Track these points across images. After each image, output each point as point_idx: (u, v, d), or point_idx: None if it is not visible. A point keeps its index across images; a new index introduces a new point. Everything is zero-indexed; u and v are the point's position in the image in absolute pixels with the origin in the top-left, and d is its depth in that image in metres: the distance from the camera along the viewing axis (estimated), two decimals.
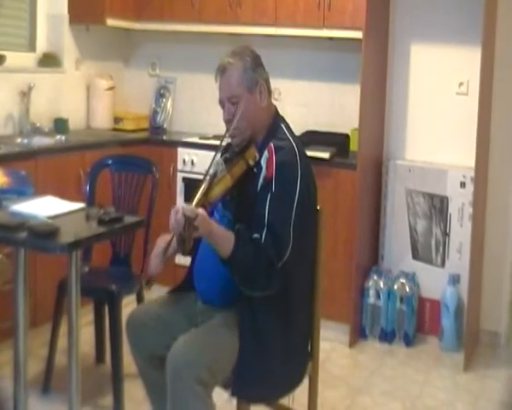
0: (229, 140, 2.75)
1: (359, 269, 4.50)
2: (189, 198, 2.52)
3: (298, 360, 2.77)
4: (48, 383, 3.63)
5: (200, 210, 2.43)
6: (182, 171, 4.94)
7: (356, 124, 4.44)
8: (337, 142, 4.69)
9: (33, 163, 4.00)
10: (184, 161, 4.94)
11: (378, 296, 4.54)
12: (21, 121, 4.73)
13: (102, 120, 5.36)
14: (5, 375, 3.49)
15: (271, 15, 4.82)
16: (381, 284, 4.55)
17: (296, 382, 2.77)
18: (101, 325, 3.91)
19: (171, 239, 2.55)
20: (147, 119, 5.51)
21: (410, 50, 4.76)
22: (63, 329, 3.43)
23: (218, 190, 2.56)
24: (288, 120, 2.80)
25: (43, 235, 2.79)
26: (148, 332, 2.75)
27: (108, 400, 3.54)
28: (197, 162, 4.84)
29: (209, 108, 5.23)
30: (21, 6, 5.06)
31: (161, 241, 2.71)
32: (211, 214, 2.60)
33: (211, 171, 2.57)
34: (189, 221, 2.38)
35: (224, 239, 2.49)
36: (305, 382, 2.84)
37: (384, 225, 4.77)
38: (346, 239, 4.41)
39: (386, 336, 4.54)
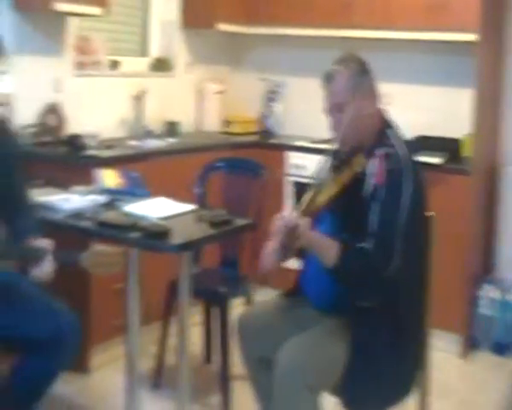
0: (337, 147, 2.72)
1: (471, 278, 4.38)
2: (297, 203, 2.52)
3: (408, 371, 2.72)
4: (158, 379, 3.72)
5: (302, 220, 2.42)
6: (292, 175, 4.94)
7: (468, 129, 4.33)
8: (449, 147, 4.58)
9: (145, 165, 4.09)
10: (293, 165, 4.94)
11: (491, 306, 4.40)
12: (134, 124, 4.86)
13: (212, 123, 5.44)
14: (118, 370, 3.58)
15: (383, 19, 4.76)
16: (495, 294, 4.41)
17: (406, 392, 2.71)
18: (209, 326, 3.96)
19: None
20: (256, 122, 5.54)
21: None
22: (173, 328, 3.50)
23: (324, 198, 2.53)
24: (398, 125, 2.75)
25: (154, 235, 2.84)
26: (258, 335, 2.77)
27: (216, 399, 3.59)
28: (306, 166, 4.81)
29: (318, 112, 5.08)
30: (135, 13, 5.21)
31: (273, 241, 2.70)
32: (317, 221, 2.58)
33: (318, 178, 2.55)
34: (291, 231, 2.37)
35: (326, 249, 2.48)
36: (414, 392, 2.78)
37: (497, 232, 4.63)
38: (457, 247, 4.28)
39: (501, 348, 4.39)
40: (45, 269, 2.68)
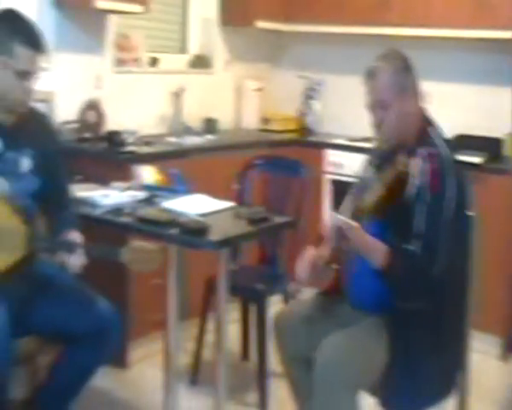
0: (379, 145, 2.70)
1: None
2: (337, 201, 2.51)
3: (448, 372, 2.69)
4: (195, 375, 3.73)
5: (353, 222, 2.41)
6: (330, 173, 4.92)
7: (509, 128, 4.26)
8: (489, 146, 4.52)
9: (185, 162, 4.10)
10: (332, 163, 4.92)
11: None
12: (174, 121, 4.88)
13: (251, 120, 5.45)
14: (156, 365, 3.60)
15: (421, 16, 4.72)
16: None
17: (445, 394, 2.69)
18: (247, 323, 3.97)
19: (321, 252, 2.55)
20: (294, 120, 5.52)
21: None
22: (211, 325, 3.51)
23: (370, 200, 2.51)
24: (438, 124, 2.72)
25: (193, 232, 2.85)
26: (295, 333, 2.76)
27: (253, 397, 3.59)
28: (345, 165, 4.79)
29: (358, 110, 5.05)
30: (174, 10, 5.23)
31: (310, 254, 2.71)
32: (362, 223, 2.57)
33: (362, 179, 2.53)
34: (342, 233, 2.36)
35: (376, 250, 2.47)
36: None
37: None
38: (499, 248, 4.21)
39: None
40: (75, 262, 2.70)
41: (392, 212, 2.56)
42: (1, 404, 2.60)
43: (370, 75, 2.62)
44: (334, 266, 2.67)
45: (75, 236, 2.81)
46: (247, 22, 5.21)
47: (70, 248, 2.69)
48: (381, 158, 2.64)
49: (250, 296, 3.69)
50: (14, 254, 2.67)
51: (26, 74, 2.72)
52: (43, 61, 2.78)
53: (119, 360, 3.80)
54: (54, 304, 2.82)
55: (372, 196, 2.49)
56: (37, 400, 2.90)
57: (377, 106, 2.61)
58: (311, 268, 2.67)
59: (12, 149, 2.80)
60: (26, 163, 2.85)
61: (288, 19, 5.37)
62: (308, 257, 2.69)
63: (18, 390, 2.87)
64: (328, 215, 2.49)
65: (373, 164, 2.63)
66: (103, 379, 3.41)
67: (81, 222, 3.01)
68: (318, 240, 2.74)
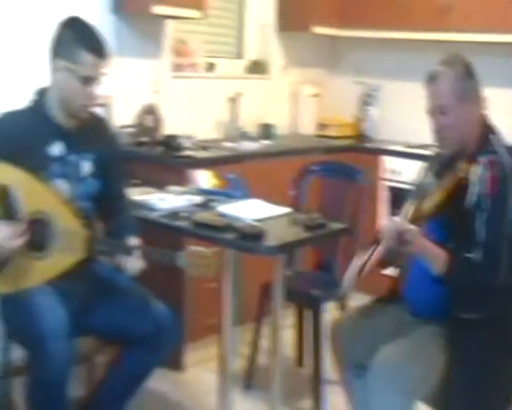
0: (438, 151, 2.66)
1: None
2: (395, 208, 2.49)
3: (508, 384, 2.63)
4: (250, 380, 3.73)
5: (412, 226, 2.38)
6: (387, 179, 4.89)
7: None
8: None
9: (241, 167, 4.11)
10: (389, 170, 4.88)
11: None
12: (230, 126, 4.90)
13: (307, 126, 5.44)
14: (211, 369, 3.62)
15: (482, 21, 4.64)
16: None
17: (504, 407, 2.63)
18: (302, 329, 3.94)
19: (367, 260, 2.53)
20: (351, 126, 5.50)
21: None
22: (266, 330, 3.51)
23: (428, 205, 2.48)
24: (500, 131, 2.67)
25: (249, 237, 2.85)
26: (351, 340, 2.74)
27: (307, 403, 3.57)
28: (402, 171, 4.74)
29: (415, 116, 5.01)
30: (231, 15, 5.25)
31: (357, 261, 2.69)
32: (421, 228, 2.54)
33: (420, 184, 2.51)
34: (401, 237, 2.34)
35: (435, 256, 2.44)
36: None
37: None
38: None
39: None
40: (133, 265, 2.72)
41: (452, 218, 2.53)
42: (60, 402, 2.64)
43: (432, 80, 2.59)
44: (386, 273, 2.65)
45: (133, 239, 2.84)
46: (304, 28, 5.21)
47: (128, 251, 2.72)
48: (441, 164, 2.61)
49: (306, 302, 3.68)
50: (75, 255, 2.72)
51: (89, 80, 2.76)
52: (105, 68, 2.82)
53: (174, 362, 3.82)
54: (112, 306, 2.86)
55: (431, 202, 2.46)
56: (94, 399, 2.94)
57: (437, 111, 2.58)
58: (357, 276, 2.65)
59: (73, 153, 2.85)
60: (86, 167, 2.89)
61: (344, 24, 5.35)
62: (355, 265, 2.68)
63: (76, 389, 2.91)
64: (386, 221, 2.46)
65: (432, 170, 2.60)
66: (159, 381, 3.43)
67: (138, 225, 3.05)
68: (373, 244, 2.72)
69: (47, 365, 2.53)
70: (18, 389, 2.92)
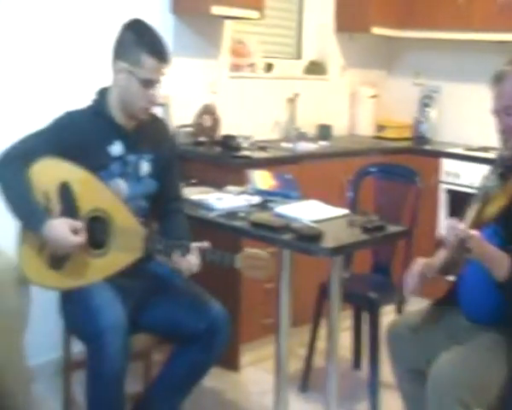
0: (503, 153, 2.61)
1: None
2: (454, 212, 2.44)
3: None
4: (306, 381, 3.72)
5: (474, 232, 2.33)
6: (445, 182, 4.81)
7: None
8: None
9: (298, 168, 4.11)
10: (449, 173, 4.80)
11: None
12: (287, 127, 4.90)
13: (365, 127, 5.40)
14: (267, 369, 3.62)
15: None
16: None
17: None
18: (359, 332, 3.93)
19: (431, 263, 2.49)
20: (409, 128, 5.44)
21: None
22: (322, 331, 3.49)
23: (492, 210, 2.42)
24: None
25: (307, 238, 2.83)
26: (408, 344, 2.70)
27: (364, 406, 3.54)
28: (462, 175, 4.68)
29: (475, 118, 5.04)
30: (290, 16, 5.24)
31: (419, 264, 2.65)
32: (483, 233, 2.48)
33: (484, 187, 2.45)
34: (462, 243, 2.30)
35: (498, 262, 2.38)
36: None
37: None
38: None
39: None
40: (189, 265, 2.73)
41: None
42: (117, 396, 2.67)
43: (497, 80, 2.54)
44: (446, 277, 2.61)
45: (189, 239, 2.85)
46: (363, 28, 5.18)
47: (185, 251, 2.73)
48: (505, 166, 2.55)
49: (363, 305, 3.65)
50: (133, 254, 2.74)
51: (149, 83, 2.79)
52: (165, 71, 2.85)
53: (230, 362, 3.83)
54: (167, 304, 2.88)
55: (494, 206, 2.41)
56: (150, 396, 2.97)
57: (503, 112, 2.53)
58: (419, 279, 2.61)
59: (132, 153, 2.88)
60: (145, 167, 2.92)
61: (403, 25, 5.29)
62: (417, 267, 2.64)
63: (132, 385, 2.94)
64: (446, 225, 2.41)
65: (496, 173, 2.54)
66: (215, 380, 3.46)
67: (195, 225, 3.06)
68: (434, 248, 2.68)
69: (104, 359, 2.57)
70: (77, 383, 2.96)
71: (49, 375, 3.58)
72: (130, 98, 2.81)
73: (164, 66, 2.82)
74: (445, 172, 4.83)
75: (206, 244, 2.73)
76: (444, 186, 4.82)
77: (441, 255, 2.52)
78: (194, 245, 2.72)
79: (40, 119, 2.93)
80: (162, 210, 3.03)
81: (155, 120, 3.06)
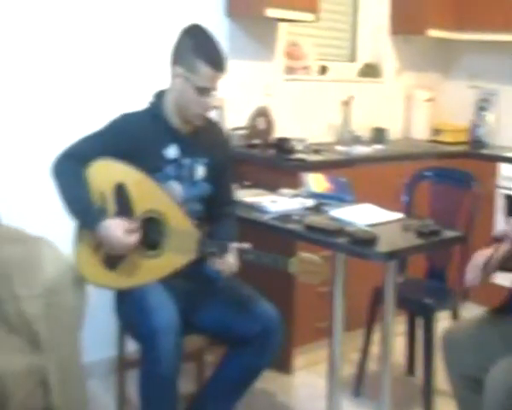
0: None
1: None
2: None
3: None
4: (359, 387, 3.70)
5: None
6: (503, 187, 4.73)
7: None
8: None
9: (352, 171, 4.08)
10: (506, 177, 4.72)
11: None
12: (342, 130, 4.87)
13: (420, 131, 5.34)
14: (320, 373, 3.61)
15: None
16: None
17: None
18: (413, 337, 3.88)
19: (493, 254, 2.44)
20: (466, 131, 5.35)
21: None
22: (376, 336, 3.46)
23: None
24: None
25: (361, 242, 2.81)
26: (464, 351, 2.66)
27: None
28: None
29: None
30: (344, 18, 5.22)
31: (480, 255, 2.60)
32: None
33: None
34: None
35: None
36: None
37: None
38: None
39: None
40: (228, 266, 2.73)
41: None
42: (170, 396, 2.69)
43: None
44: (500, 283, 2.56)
45: (237, 242, 2.84)
46: (419, 31, 5.12)
47: (223, 250, 2.73)
48: None
49: (418, 310, 3.60)
50: (187, 256, 2.76)
51: (204, 91, 2.80)
52: (221, 79, 2.85)
53: (283, 365, 3.84)
54: (219, 306, 2.89)
55: None
56: (202, 397, 2.98)
57: None
58: (480, 271, 2.56)
59: (188, 156, 2.90)
60: (200, 170, 2.94)
61: (460, 27, 5.21)
62: (478, 259, 2.58)
63: (185, 386, 2.96)
64: (505, 220, 2.37)
65: None
66: (267, 383, 3.46)
67: (248, 227, 3.07)
68: (490, 244, 2.63)
69: (158, 359, 2.59)
70: (131, 381, 2.98)
71: (105, 373, 3.64)
72: (185, 104, 2.83)
73: (220, 74, 2.82)
74: (502, 177, 4.74)
75: (246, 245, 2.73)
76: (501, 191, 4.74)
77: (500, 250, 2.47)
78: (234, 245, 2.72)
79: (97, 120, 2.98)
80: (215, 213, 3.04)
81: (211, 124, 3.06)
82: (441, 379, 2.96)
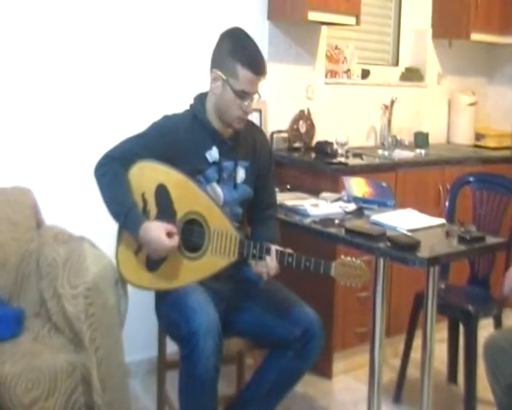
0: None
1: None
2: None
3: None
4: (399, 393, 3.66)
5: None
6: None
7: None
8: None
9: (393, 175, 4.06)
10: None
11: None
12: (383, 134, 4.85)
13: (463, 135, 5.28)
14: (359, 378, 3.58)
15: None
16: None
17: None
18: (455, 344, 3.84)
19: None
20: (510, 136, 5.27)
21: None
22: (416, 342, 3.43)
23: None
24: None
25: (403, 247, 2.78)
26: (508, 359, 2.63)
27: None
28: None
29: None
30: (386, 22, 5.19)
31: None
32: None
33: None
34: None
35: None
36: None
37: None
38: None
39: None
40: (265, 269, 2.71)
41: None
42: (209, 397, 2.68)
43: None
44: None
45: (278, 245, 2.83)
46: (462, 35, 5.06)
47: (263, 252, 2.72)
48: None
49: (460, 317, 3.55)
50: (227, 258, 2.75)
51: (244, 95, 2.79)
52: (260, 83, 2.84)
53: (323, 369, 3.82)
54: (259, 309, 2.87)
55: None
56: (242, 399, 2.96)
57: None
58: None
59: (229, 159, 2.90)
60: (241, 173, 2.93)
61: (504, 31, 5.16)
62: None
63: (225, 388, 2.95)
64: None
65: None
66: (307, 387, 3.44)
67: (289, 230, 3.06)
68: None
69: (197, 361, 2.58)
70: (171, 382, 2.99)
71: (145, 373, 3.67)
72: (224, 107, 2.83)
73: (259, 78, 2.81)
74: None
75: (288, 250, 2.72)
76: None
77: None
78: (274, 248, 2.71)
79: (140, 122, 3.00)
80: (256, 217, 3.04)
81: (252, 128, 3.06)
82: (483, 387, 2.92)
